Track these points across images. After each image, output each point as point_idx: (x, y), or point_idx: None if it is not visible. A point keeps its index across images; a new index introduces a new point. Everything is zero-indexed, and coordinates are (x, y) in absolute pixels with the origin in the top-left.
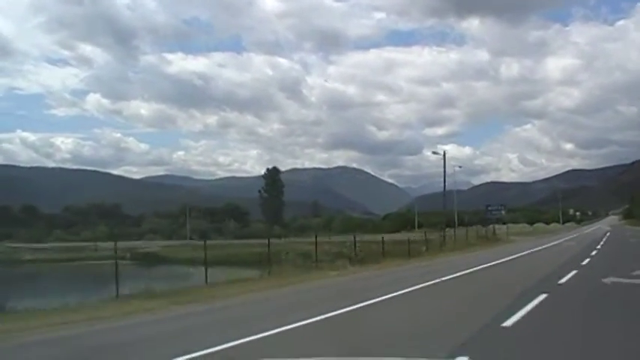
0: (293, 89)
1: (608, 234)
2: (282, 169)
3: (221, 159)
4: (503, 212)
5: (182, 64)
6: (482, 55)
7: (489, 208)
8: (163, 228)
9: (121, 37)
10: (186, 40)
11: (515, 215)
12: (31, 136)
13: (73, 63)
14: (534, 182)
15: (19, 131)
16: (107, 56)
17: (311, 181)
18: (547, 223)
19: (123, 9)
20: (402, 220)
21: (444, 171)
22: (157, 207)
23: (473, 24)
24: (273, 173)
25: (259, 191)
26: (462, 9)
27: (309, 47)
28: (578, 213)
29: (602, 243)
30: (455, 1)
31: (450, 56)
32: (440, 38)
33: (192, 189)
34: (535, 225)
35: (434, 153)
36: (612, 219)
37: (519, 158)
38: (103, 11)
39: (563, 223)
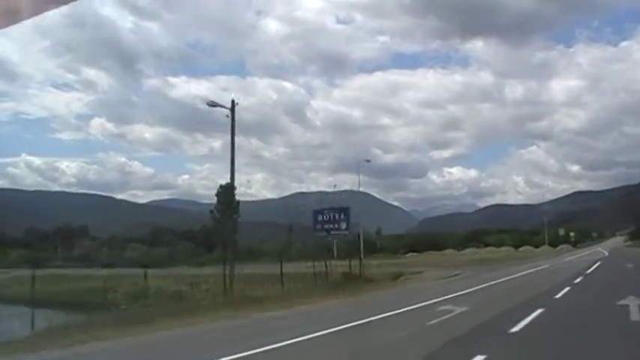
0: (298, 113)
1: (599, 262)
2: (287, 192)
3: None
4: (344, 229)
5: (186, 87)
6: (487, 77)
7: (320, 219)
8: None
9: (124, 60)
10: (189, 63)
11: (502, 237)
12: (36, 160)
13: (77, 87)
14: (541, 204)
15: (24, 155)
16: (111, 80)
17: (316, 204)
18: (537, 246)
19: (126, 32)
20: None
21: None
22: (158, 231)
23: (477, 46)
24: (226, 190)
25: (211, 211)
26: (465, 31)
27: (314, 71)
28: (572, 234)
29: (579, 278)
30: (459, 22)
31: (455, 78)
32: (444, 60)
33: (197, 213)
34: (521, 248)
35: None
36: (617, 240)
37: (525, 180)
38: (107, 35)
39: (555, 246)
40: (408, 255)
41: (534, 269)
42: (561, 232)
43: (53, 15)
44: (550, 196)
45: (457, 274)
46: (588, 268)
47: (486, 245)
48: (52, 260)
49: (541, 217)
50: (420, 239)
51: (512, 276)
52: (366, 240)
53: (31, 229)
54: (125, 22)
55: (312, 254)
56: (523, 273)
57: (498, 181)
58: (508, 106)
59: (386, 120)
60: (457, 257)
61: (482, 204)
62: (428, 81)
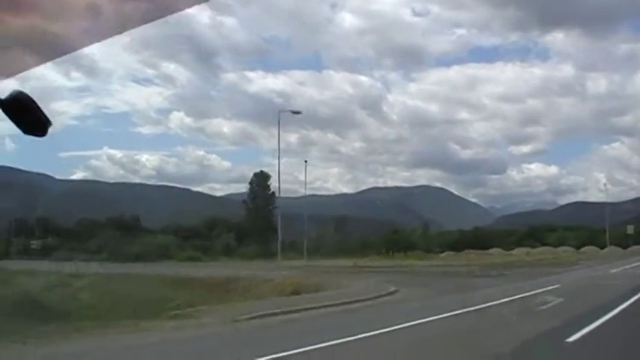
0: (374, 107)
1: None
2: (364, 187)
3: (302, 177)
4: None
5: (262, 82)
6: (568, 70)
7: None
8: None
9: (202, 55)
10: (266, 58)
11: (565, 235)
12: (117, 153)
13: (157, 82)
14: (624, 202)
15: (106, 148)
16: (190, 75)
17: (392, 199)
18: (602, 246)
19: (204, 28)
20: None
21: None
22: (232, 224)
23: (557, 37)
24: (260, 179)
25: (244, 201)
26: (545, 22)
27: (390, 64)
28: None
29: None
30: (538, 13)
31: (534, 72)
32: (523, 53)
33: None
34: (583, 248)
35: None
36: None
37: (608, 177)
38: (185, 30)
39: (626, 246)
40: (442, 254)
41: (589, 273)
42: (630, 230)
43: (132, 11)
44: (633, 194)
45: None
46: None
47: (544, 244)
48: (67, 252)
49: (623, 215)
50: (474, 236)
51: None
52: (409, 236)
53: (83, 219)
54: (202, 17)
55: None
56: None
57: (579, 178)
58: (590, 100)
59: (463, 114)
60: (492, 258)
61: (562, 201)
62: (506, 74)
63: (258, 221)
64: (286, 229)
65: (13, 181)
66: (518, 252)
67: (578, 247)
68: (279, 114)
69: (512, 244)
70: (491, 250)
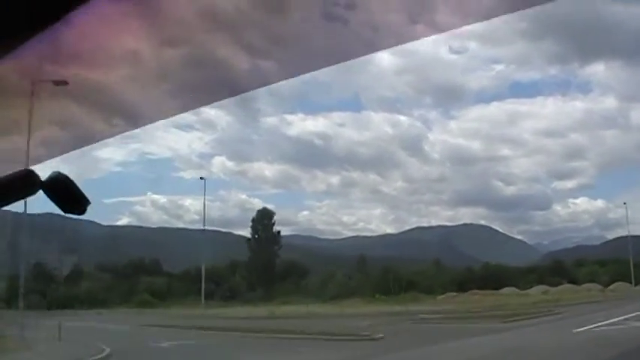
0: (414, 146)
1: None
2: (407, 227)
3: (345, 218)
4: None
5: (302, 124)
6: (610, 102)
7: None
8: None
9: (242, 99)
10: (305, 100)
11: (594, 270)
12: (161, 198)
13: (198, 127)
14: None
15: (149, 194)
16: (230, 119)
17: (436, 239)
18: (636, 283)
19: (242, 72)
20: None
21: None
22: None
23: (598, 69)
24: (263, 216)
25: (248, 240)
26: (585, 54)
27: (429, 103)
28: None
29: None
30: (577, 45)
31: (576, 105)
32: (564, 87)
33: (318, 249)
34: (613, 286)
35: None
36: None
37: None
38: (224, 75)
39: None
40: (441, 296)
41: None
42: None
43: (171, 57)
44: None
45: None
46: None
47: (571, 282)
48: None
49: None
50: (490, 274)
51: None
52: (413, 275)
53: (100, 263)
54: (240, 61)
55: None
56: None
57: (627, 212)
58: (634, 131)
59: (505, 151)
60: (498, 299)
61: (610, 235)
62: (547, 109)
63: (262, 263)
64: (316, 270)
65: (57, 228)
66: (536, 291)
67: (608, 284)
68: None
69: (533, 282)
70: (503, 290)
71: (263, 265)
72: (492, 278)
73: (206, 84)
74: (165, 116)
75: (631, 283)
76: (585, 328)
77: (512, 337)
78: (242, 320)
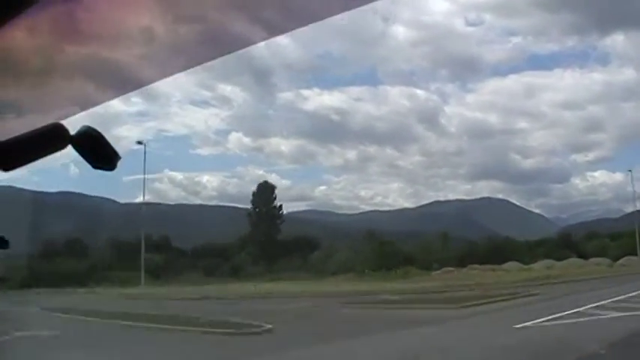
0: (431, 120)
1: None
2: (425, 201)
3: (363, 193)
4: None
5: (318, 99)
6: (630, 74)
7: None
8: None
9: (257, 75)
10: (321, 75)
11: (605, 244)
12: (178, 175)
13: (214, 103)
14: None
15: (167, 171)
16: (246, 95)
17: (454, 213)
18: None
19: (258, 47)
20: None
21: None
22: (293, 242)
23: (617, 40)
24: (263, 190)
25: (249, 214)
26: (604, 24)
27: (445, 76)
28: None
29: None
30: (595, 15)
31: (594, 77)
32: (582, 59)
33: (334, 223)
34: (621, 260)
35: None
36: None
37: None
38: (240, 52)
39: None
40: (437, 272)
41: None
42: None
43: (187, 33)
44: None
45: None
46: None
47: (580, 256)
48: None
49: None
50: (491, 248)
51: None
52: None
53: (111, 239)
54: (256, 37)
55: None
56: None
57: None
58: None
59: (523, 124)
60: (492, 276)
61: (629, 209)
62: (565, 81)
63: (264, 238)
64: (330, 245)
65: (76, 206)
66: (540, 265)
67: (618, 258)
68: None
69: (540, 255)
70: (506, 265)
71: (264, 241)
72: (497, 252)
73: (221, 60)
74: (181, 93)
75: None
76: (543, 319)
77: (442, 332)
78: (176, 302)
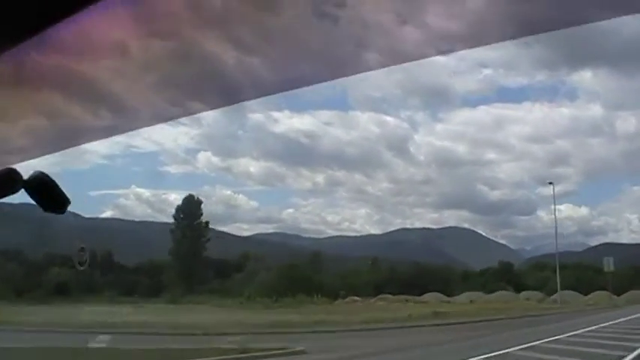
0: (400, 147)
1: None
2: (392, 228)
3: (330, 217)
4: None
5: (289, 122)
6: (596, 110)
7: None
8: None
9: (228, 95)
10: (292, 98)
11: (546, 277)
12: (145, 192)
13: (184, 121)
14: None
15: (133, 187)
16: (216, 115)
17: (420, 241)
18: (587, 292)
19: (229, 67)
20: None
21: None
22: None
23: (585, 77)
24: (188, 204)
25: (171, 230)
26: (573, 60)
27: (416, 104)
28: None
29: None
30: (565, 52)
31: (563, 111)
32: (551, 93)
33: (298, 247)
34: (553, 297)
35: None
36: None
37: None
38: (211, 70)
39: (619, 293)
40: (336, 302)
41: None
42: (607, 267)
43: (159, 50)
44: None
45: None
46: None
47: (519, 288)
48: None
49: None
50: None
51: None
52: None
53: (52, 254)
54: (228, 57)
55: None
56: None
57: (611, 219)
58: (620, 140)
59: (491, 155)
60: (397, 308)
61: (593, 242)
62: (534, 114)
63: (186, 256)
64: (254, 268)
65: (30, 218)
66: (464, 298)
67: (555, 291)
68: None
69: (479, 286)
70: (426, 295)
71: (186, 260)
72: (425, 280)
73: (193, 79)
74: (151, 109)
75: (582, 293)
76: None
77: None
78: None
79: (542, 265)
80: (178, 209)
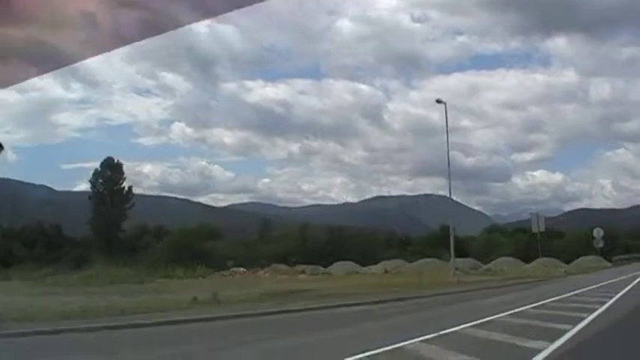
0: (375, 116)
1: None
2: (368, 196)
3: (305, 186)
4: None
5: (262, 91)
6: (570, 76)
7: None
8: None
9: (201, 65)
10: (265, 67)
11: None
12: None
13: (156, 92)
14: (629, 208)
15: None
16: (189, 85)
17: (396, 208)
18: (569, 260)
19: (202, 37)
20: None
21: None
22: (236, 234)
23: (559, 43)
24: (107, 168)
25: (89, 197)
26: (547, 26)
27: (390, 72)
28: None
29: None
30: (540, 18)
31: (537, 78)
32: (525, 59)
33: (274, 216)
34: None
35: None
36: None
37: (613, 184)
38: (183, 40)
39: (610, 258)
40: (225, 272)
41: None
42: (535, 227)
43: (129, 22)
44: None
45: None
46: None
47: (462, 254)
48: None
49: (629, 221)
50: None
51: None
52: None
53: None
54: (200, 26)
55: None
56: None
57: (584, 185)
58: (593, 106)
59: (465, 122)
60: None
61: (567, 208)
62: (508, 81)
63: (105, 224)
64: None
65: (9, 193)
66: (382, 267)
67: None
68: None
69: (417, 253)
70: (335, 265)
71: (104, 228)
72: (340, 248)
73: (164, 48)
74: (124, 81)
75: (525, 261)
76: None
77: None
78: None
79: (504, 230)
80: (95, 173)
